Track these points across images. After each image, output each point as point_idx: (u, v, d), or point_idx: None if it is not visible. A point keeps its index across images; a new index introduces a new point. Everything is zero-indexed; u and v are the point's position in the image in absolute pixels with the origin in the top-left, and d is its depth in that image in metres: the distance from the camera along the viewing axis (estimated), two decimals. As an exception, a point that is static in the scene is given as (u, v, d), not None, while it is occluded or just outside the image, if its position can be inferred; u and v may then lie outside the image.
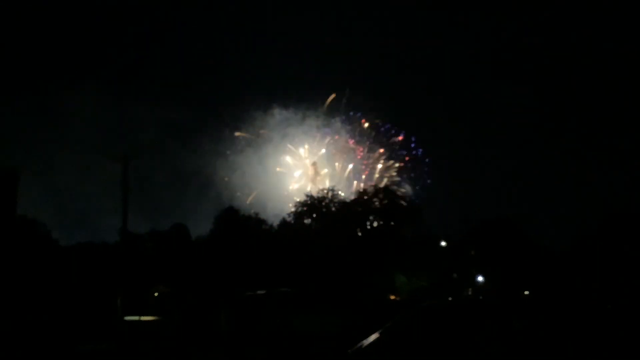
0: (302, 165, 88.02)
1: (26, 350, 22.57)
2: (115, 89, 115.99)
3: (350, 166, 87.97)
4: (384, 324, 10.06)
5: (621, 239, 46.40)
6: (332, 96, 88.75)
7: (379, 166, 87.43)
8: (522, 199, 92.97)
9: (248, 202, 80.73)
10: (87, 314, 34.30)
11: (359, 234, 52.45)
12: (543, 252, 54.03)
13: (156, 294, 48.48)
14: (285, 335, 19.13)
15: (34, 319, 29.90)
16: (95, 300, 39.03)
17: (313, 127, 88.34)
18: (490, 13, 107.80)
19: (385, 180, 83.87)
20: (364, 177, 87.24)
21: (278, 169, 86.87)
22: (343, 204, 54.50)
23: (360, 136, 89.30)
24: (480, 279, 54.43)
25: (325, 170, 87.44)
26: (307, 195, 55.22)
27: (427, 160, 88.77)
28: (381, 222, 53.88)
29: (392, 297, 47.84)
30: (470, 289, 53.64)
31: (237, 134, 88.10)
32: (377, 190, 56.48)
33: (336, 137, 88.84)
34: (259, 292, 21.06)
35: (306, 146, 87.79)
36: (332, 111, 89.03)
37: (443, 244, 55.96)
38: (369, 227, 53.71)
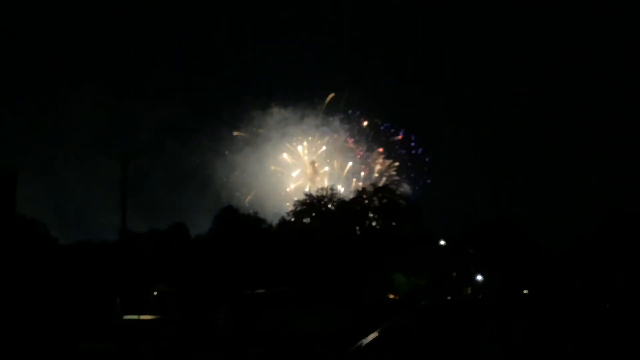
0: (301, 164, 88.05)
1: (26, 349, 22.56)
2: (115, 89, 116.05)
3: (350, 164, 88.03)
4: (383, 323, 10.06)
5: (620, 238, 46.43)
6: (331, 95, 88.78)
7: (378, 166, 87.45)
8: (521, 199, 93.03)
9: (247, 201, 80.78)
10: (86, 313, 34.27)
11: (358, 233, 52.44)
12: (542, 252, 54.06)
13: (155, 293, 48.46)
14: (284, 334, 19.13)
15: (33, 319, 29.89)
16: (95, 299, 39.01)
17: (312, 126, 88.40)
18: (491, 13, 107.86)
19: (384, 180, 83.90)
20: (363, 175, 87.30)
21: (273, 168, 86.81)
22: (342, 203, 54.48)
23: (359, 135, 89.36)
24: (479, 278, 54.46)
25: (326, 169, 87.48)
26: (307, 194, 55.22)
27: (427, 159, 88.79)
28: (380, 221, 53.87)
29: (392, 297, 47.86)
30: (469, 288, 53.67)
31: (235, 133, 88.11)
32: (377, 190, 56.45)
33: (335, 136, 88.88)
34: (258, 291, 21.07)
35: (305, 144, 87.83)
36: (331, 110, 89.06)
37: (442, 243, 55.98)
38: (368, 226, 53.70)
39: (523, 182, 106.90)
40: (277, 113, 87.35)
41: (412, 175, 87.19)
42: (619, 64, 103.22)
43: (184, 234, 56.09)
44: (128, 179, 37.01)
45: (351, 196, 58.59)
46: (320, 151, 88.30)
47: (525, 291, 50.05)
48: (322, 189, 56.58)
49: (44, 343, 24.04)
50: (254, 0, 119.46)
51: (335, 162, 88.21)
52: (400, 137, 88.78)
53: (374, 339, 9.59)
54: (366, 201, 54.49)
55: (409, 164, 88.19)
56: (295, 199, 58.75)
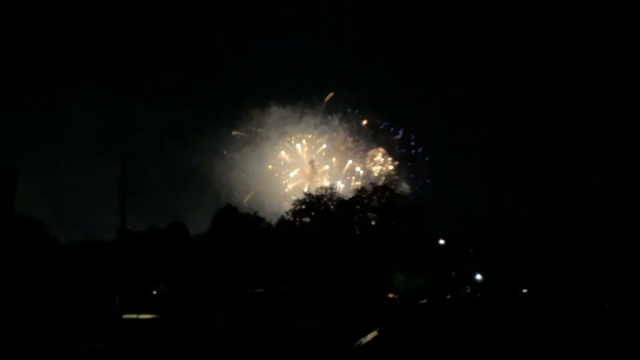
0: (300, 163, 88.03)
1: (25, 348, 22.54)
2: (114, 89, 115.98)
3: (349, 163, 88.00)
4: (382, 322, 10.05)
5: (620, 238, 46.46)
6: (330, 95, 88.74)
7: (378, 167, 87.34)
8: (521, 199, 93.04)
9: (245, 201, 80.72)
10: (85, 312, 34.29)
11: (358, 232, 52.43)
12: (542, 252, 54.10)
13: (155, 293, 48.47)
14: (284, 333, 19.12)
15: (32, 318, 29.88)
16: (94, 298, 39.01)
17: (311, 125, 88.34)
18: (491, 13, 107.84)
19: (383, 179, 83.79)
20: (361, 173, 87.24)
21: (270, 167, 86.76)
22: (341, 202, 54.48)
23: (358, 134, 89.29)
24: (478, 277, 54.49)
25: (326, 167, 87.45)
26: (306, 194, 55.20)
27: (427, 159, 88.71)
28: (380, 221, 53.85)
29: (391, 296, 47.87)
30: (468, 287, 53.69)
31: (234, 133, 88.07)
32: (376, 189, 56.44)
33: (334, 135, 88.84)
34: (258, 290, 21.04)
35: (304, 142, 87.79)
36: (330, 109, 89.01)
37: (441, 242, 56.00)
38: (367, 225, 53.68)
39: (523, 182, 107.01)
40: (276, 112, 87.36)
41: (412, 175, 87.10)
42: (619, 64, 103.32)
43: (183, 234, 56.08)
44: (127, 179, 37.02)
45: (350, 195, 58.59)
46: (319, 150, 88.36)
47: (524, 290, 50.10)
48: (322, 188, 56.56)
49: (44, 342, 24.03)
50: (253, 0, 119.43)
51: (334, 160, 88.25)
52: (399, 136, 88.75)
53: (374, 338, 9.58)
54: (365, 200, 54.47)
55: (408, 164, 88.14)
56: (294, 198, 58.74)
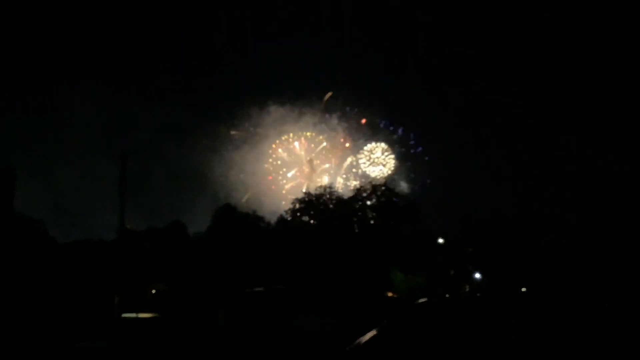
0: (299, 162, 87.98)
1: (25, 348, 22.56)
2: (112, 88, 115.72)
3: (348, 161, 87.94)
4: (381, 321, 10.07)
5: (620, 238, 46.53)
6: (329, 94, 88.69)
7: (377, 166, 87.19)
8: (521, 199, 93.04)
9: (244, 200, 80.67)
10: (84, 311, 34.28)
11: (357, 231, 52.43)
12: (541, 252, 54.18)
13: (154, 292, 48.45)
14: (283, 332, 19.14)
15: (32, 317, 29.89)
16: (93, 297, 39.00)
17: (310, 124, 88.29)
18: (490, 12, 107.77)
19: (383, 175, 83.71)
20: (360, 172, 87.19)
21: (267, 166, 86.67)
22: (341, 201, 54.46)
23: (357, 133, 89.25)
24: (477, 276, 54.55)
25: (327, 165, 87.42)
26: (305, 193, 55.19)
27: (426, 158, 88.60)
28: (379, 220, 53.86)
29: (390, 295, 47.92)
30: (467, 287, 53.76)
31: (233, 132, 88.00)
32: (375, 188, 56.45)
33: (333, 134, 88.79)
34: (257, 289, 21.03)
35: (303, 141, 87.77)
36: (329, 108, 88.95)
37: (441, 241, 56.05)
38: (366, 224, 53.68)
39: (523, 181, 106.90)
40: (274, 111, 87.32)
41: (412, 175, 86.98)
42: (619, 64, 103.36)
43: (182, 233, 56.04)
44: (126, 178, 36.98)
45: (349, 194, 58.58)
46: (318, 149, 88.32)
47: (523, 289, 50.17)
48: (321, 187, 56.53)
49: (43, 341, 24.03)
50: (252, 0, 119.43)
51: (333, 159, 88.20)
52: (399, 134, 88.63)
53: (373, 338, 9.60)
54: (364, 200, 54.49)
55: (408, 163, 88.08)
56: (292, 197, 58.71)
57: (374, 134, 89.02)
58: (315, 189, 55.44)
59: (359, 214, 54.11)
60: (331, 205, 53.27)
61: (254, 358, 19.70)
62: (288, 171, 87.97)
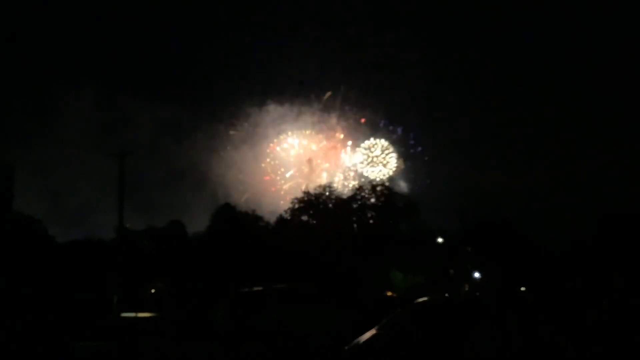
0: (298, 162, 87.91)
1: (23, 347, 22.51)
2: (111, 87, 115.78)
3: (346, 162, 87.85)
4: (380, 320, 10.05)
5: (618, 237, 46.55)
6: (328, 94, 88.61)
7: (377, 167, 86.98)
8: (520, 198, 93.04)
9: (243, 199, 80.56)
10: (83, 311, 34.26)
11: (356, 230, 52.44)
12: (541, 250, 54.21)
13: (153, 291, 48.50)
14: (282, 331, 19.11)
15: (30, 316, 29.85)
16: (92, 297, 39.00)
17: (308, 124, 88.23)
18: (488, 10, 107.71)
19: (384, 175, 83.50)
20: (359, 171, 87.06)
21: (267, 166, 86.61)
22: (340, 200, 54.48)
23: (356, 132, 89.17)
24: (477, 275, 54.60)
25: (326, 165, 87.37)
26: (304, 192, 55.19)
27: (426, 158, 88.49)
28: (378, 219, 53.89)
29: (389, 294, 47.93)
30: (466, 285, 53.81)
31: (231, 131, 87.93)
32: (374, 187, 56.47)
33: (332, 133, 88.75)
34: (256, 288, 20.99)
35: (301, 140, 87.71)
36: (328, 108, 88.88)
37: (440, 240, 56.05)
38: (365, 223, 53.71)
39: (521, 180, 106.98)
40: (273, 110, 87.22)
41: (412, 174, 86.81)
42: (617, 63, 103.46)
43: (181, 232, 56.10)
44: (125, 177, 37.01)
45: (348, 193, 58.59)
46: (317, 148, 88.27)
47: (522, 289, 50.19)
48: (320, 186, 56.53)
49: (41, 341, 23.99)
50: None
51: (332, 159, 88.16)
52: (398, 134, 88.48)
53: (372, 337, 9.58)
54: (364, 199, 54.52)
55: (408, 163, 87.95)
56: (290, 197, 58.72)
57: (373, 134, 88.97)
58: (315, 189, 55.42)
59: (358, 213, 54.12)
60: (330, 205, 53.27)
61: (253, 357, 19.68)
62: (286, 171, 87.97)
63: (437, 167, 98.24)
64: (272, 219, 56.31)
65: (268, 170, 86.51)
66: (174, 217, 59.04)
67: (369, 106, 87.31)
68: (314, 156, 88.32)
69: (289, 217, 53.92)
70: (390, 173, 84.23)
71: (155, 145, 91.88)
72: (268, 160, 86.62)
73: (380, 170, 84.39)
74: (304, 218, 53.56)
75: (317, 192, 54.26)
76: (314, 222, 52.42)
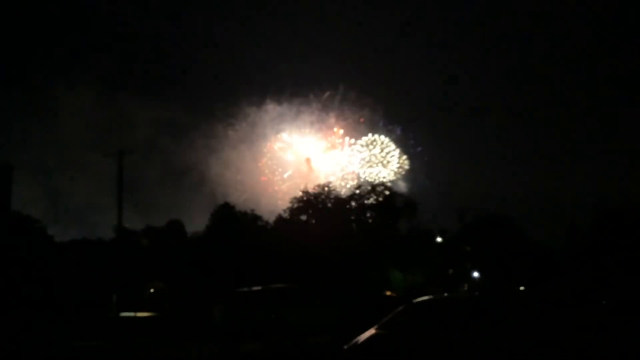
0: (296, 161, 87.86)
1: (22, 346, 22.51)
2: (109, 86, 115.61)
3: (345, 161, 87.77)
4: (379, 319, 10.06)
5: (616, 234, 46.61)
6: (327, 93, 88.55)
7: (375, 167, 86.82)
8: (519, 197, 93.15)
9: (242, 199, 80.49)
10: (82, 310, 34.26)
11: (355, 230, 52.49)
12: (540, 249, 54.30)
13: (152, 290, 48.50)
14: (280, 331, 19.11)
15: (29, 316, 29.84)
16: (91, 296, 39.00)
17: (307, 123, 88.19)
18: (488, 10, 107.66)
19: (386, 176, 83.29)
20: (357, 171, 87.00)
21: (266, 165, 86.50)
22: (339, 199, 54.52)
23: (355, 132, 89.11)
24: (476, 274, 54.67)
25: (325, 164, 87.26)
26: (303, 192, 55.19)
27: (425, 158, 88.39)
28: (377, 219, 53.94)
29: (388, 293, 47.97)
30: (466, 285, 53.88)
31: (230, 131, 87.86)
32: (373, 187, 56.52)
33: (331, 132, 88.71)
34: (255, 288, 20.98)
35: (300, 139, 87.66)
36: (326, 107, 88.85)
37: (439, 240, 56.12)
38: (364, 223, 53.76)
39: (520, 179, 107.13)
40: (272, 110, 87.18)
41: (411, 174, 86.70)
42: (616, 63, 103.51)
43: (180, 231, 56.13)
44: (124, 177, 36.98)
45: (348, 193, 58.64)
46: (316, 147, 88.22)
47: (521, 288, 50.25)
48: (319, 186, 56.52)
49: (41, 340, 23.99)
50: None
51: (331, 158, 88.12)
52: (397, 134, 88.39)
53: (371, 336, 9.58)
54: (363, 199, 54.59)
55: (408, 164, 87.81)
56: (288, 196, 58.69)
57: (372, 132, 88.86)
58: (313, 188, 55.41)
59: (357, 212, 54.17)
60: (329, 205, 53.28)
61: (252, 357, 19.69)
62: (285, 171, 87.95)
63: (437, 167, 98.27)
64: (271, 219, 56.34)
65: (265, 170, 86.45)
66: (173, 216, 59.08)
67: (367, 106, 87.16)
68: (312, 156, 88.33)
69: (287, 217, 53.93)
70: (392, 175, 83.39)
71: (154, 144, 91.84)
72: (265, 160, 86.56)
73: (379, 172, 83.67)
74: (303, 218, 53.58)
75: (315, 191, 54.26)
76: (313, 221, 52.44)
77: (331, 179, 78.24)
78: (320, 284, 34.47)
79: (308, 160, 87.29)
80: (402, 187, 79.52)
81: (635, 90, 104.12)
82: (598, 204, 51.13)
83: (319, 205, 53.12)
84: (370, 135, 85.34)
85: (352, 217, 53.64)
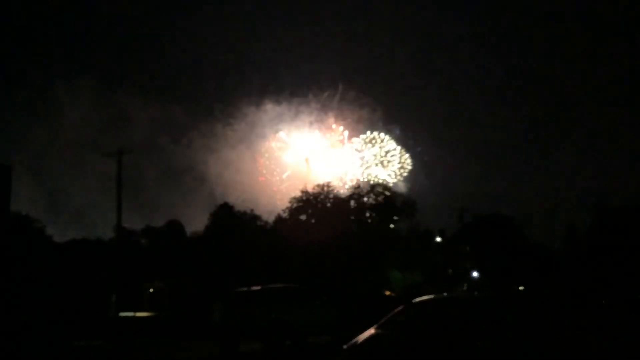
0: (295, 161, 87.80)
1: (21, 346, 22.51)
2: (108, 86, 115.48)
3: (345, 160, 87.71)
4: (378, 319, 10.06)
5: (615, 233, 46.61)
6: (327, 93, 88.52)
7: (374, 165, 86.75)
8: (518, 196, 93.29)
9: (241, 199, 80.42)
10: (82, 310, 34.24)
11: (354, 229, 52.48)
12: (539, 248, 54.33)
13: (151, 290, 48.46)
14: (280, 331, 19.11)
15: (29, 315, 29.81)
16: (91, 296, 38.97)
17: (306, 123, 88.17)
18: (486, 10, 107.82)
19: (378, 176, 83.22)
20: (357, 170, 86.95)
21: (265, 165, 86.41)
22: (338, 199, 54.50)
23: (355, 132, 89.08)
24: (475, 274, 54.68)
25: (324, 164, 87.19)
26: (302, 191, 55.17)
27: (425, 158, 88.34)
28: (376, 218, 53.95)
29: (387, 293, 47.99)
30: (465, 285, 53.88)
31: (229, 131, 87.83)
32: (372, 187, 56.52)
33: (330, 132, 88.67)
34: (254, 288, 20.97)
35: (299, 139, 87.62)
36: (325, 107, 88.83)
37: (438, 239, 56.13)
38: (364, 222, 53.76)
39: (519, 178, 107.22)
40: (271, 110, 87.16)
41: (411, 175, 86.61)
42: (614, 62, 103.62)
43: (179, 231, 56.14)
44: (123, 176, 36.97)
45: (347, 192, 58.59)
46: (315, 147, 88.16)
47: (521, 287, 50.30)
48: (318, 185, 56.48)
49: (40, 340, 23.98)
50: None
51: (330, 158, 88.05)
52: (396, 134, 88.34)
53: (370, 336, 9.58)
54: (363, 198, 54.57)
55: (407, 164, 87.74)
56: (287, 196, 58.67)
57: (371, 132, 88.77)
58: (313, 188, 55.38)
59: (357, 212, 54.16)
60: (328, 204, 53.26)
61: (252, 357, 19.70)
62: (284, 171, 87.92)
63: (437, 167, 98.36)
64: (270, 219, 56.35)
65: (264, 171, 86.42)
66: (172, 216, 59.09)
67: (367, 106, 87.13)
68: (311, 155, 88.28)
69: (287, 217, 53.92)
70: (393, 176, 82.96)
71: (153, 144, 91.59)
72: (263, 160, 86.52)
73: (379, 174, 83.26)
74: (302, 217, 53.57)
75: (315, 191, 54.25)
76: (312, 221, 52.43)
77: (331, 178, 78.22)
78: (320, 283, 34.49)
79: (307, 160, 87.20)
80: (402, 186, 79.54)
81: (635, 89, 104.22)
82: (598, 203, 51.17)
83: (318, 205, 53.11)
84: (369, 132, 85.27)
85: (352, 217, 53.62)
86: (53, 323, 27.58)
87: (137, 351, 23.38)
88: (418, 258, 48.94)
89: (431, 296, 10.74)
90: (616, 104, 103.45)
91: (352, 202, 54.46)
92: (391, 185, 64.32)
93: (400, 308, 10.12)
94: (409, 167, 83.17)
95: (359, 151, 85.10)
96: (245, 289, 21.02)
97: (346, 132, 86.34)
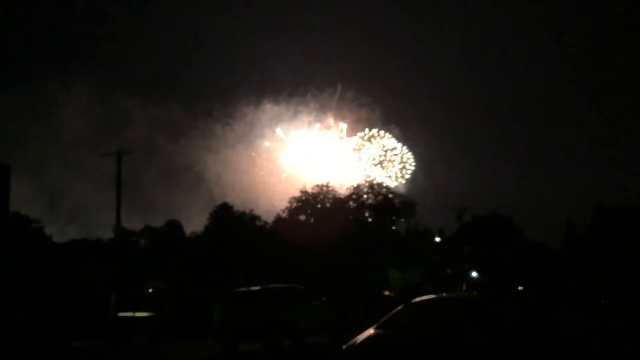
0: (295, 161, 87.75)
1: (19, 346, 22.48)
2: (107, 86, 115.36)
3: (343, 161, 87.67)
4: (377, 319, 10.06)
5: (614, 233, 46.66)
6: (326, 93, 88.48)
7: (374, 165, 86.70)
8: (517, 195, 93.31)
9: (240, 199, 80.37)
10: (81, 310, 34.23)
11: (354, 229, 52.49)
12: (538, 248, 54.36)
13: (150, 290, 48.41)
14: (279, 331, 19.11)
15: (28, 316, 29.79)
16: (90, 296, 38.95)
17: (305, 123, 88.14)
18: (484, 9, 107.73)
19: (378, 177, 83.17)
20: (357, 170, 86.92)
21: (263, 165, 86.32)
22: (337, 199, 54.51)
23: (354, 131, 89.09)
24: (474, 274, 54.72)
25: (323, 164, 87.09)
26: (301, 191, 55.18)
27: (425, 158, 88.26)
28: (375, 218, 53.96)
29: (387, 293, 48.00)
30: (464, 284, 53.93)
31: (228, 131, 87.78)
32: (371, 186, 56.53)
33: (329, 131, 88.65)
34: (253, 288, 20.96)
35: (298, 138, 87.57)
36: (324, 107, 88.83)
37: (437, 239, 56.15)
38: (363, 222, 53.77)
39: (518, 178, 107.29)
40: (270, 110, 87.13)
41: (410, 175, 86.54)
42: (613, 62, 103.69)
43: (178, 231, 56.04)
44: (122, 176, 36.97)
45: (346, 192, 58.58)
46: (314, 147, 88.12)
47: (520, 287, 50.34)
48: (317, 185, 56.48)
49: (39, 340, 23.96)
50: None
51: (329, 157, 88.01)
52: (396, 134, 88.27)
53: (369, 336, 9.58)
54: (362, 198, 54.58)
55: (407, 164, 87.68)
56: (287, 196, 58.63)
57: (370, 131, 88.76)
58: (312, 188, 55.39)
59: (356, 212, 54.17)
60: (328, 204, 53.28)
61: (251, 357, 19.69)
62: (283, 171, 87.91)
63: (436, 167, 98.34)
64: (269, 218, 56.32)
65: (262, 172, 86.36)
66: (171, 216, 58.98)
67: (366, 105, 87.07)
68: (310, 155, 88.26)
69: (286, 217, 53.92)
70: (394, 176, 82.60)
71: (152, 144, 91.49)
72: (260, 160, 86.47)
73: (375, 178, 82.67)
74: (302, 217, 53.59)
75: (314, 191, 54.26)
76: (312, 221, 52.44)
77: (330, 178, 78.16)
78: (319, 284, 34.50)
79: (306, 160, 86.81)
80: (401, 186, 79.48)
81: (634, 90, 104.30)
82: (596, 203, 51.21)
83: (317, 205, 53.13)
84: (367, 130, 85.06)
85: (351, 217, 53.64)
86: (52, 323, 27.57)
87: (137, 351, 23.38)
88: (417, 258, 48.98)
89: (431, 296, 10.74)
90: (616, 104, 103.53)
91: (351, 202, 54.48)
92: (392, 187, 64.12)
93: (399, 308, 10.12)
94: (412, 168, 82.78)
95: (358, 150, 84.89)
96: (244, 289, 21.00)
97: (345, 126, 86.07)
